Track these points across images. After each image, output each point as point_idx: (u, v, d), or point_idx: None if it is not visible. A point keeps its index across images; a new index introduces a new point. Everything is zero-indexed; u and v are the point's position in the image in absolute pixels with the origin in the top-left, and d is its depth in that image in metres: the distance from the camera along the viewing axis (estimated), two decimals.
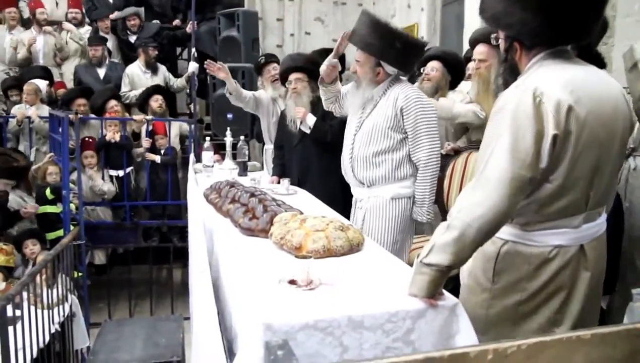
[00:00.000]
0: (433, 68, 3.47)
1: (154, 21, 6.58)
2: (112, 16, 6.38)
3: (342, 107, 2.96)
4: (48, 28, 6.08)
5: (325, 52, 4.07)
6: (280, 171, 3.61)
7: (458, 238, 1.44)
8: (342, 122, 3.01)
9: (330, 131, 3.34)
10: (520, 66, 1.66)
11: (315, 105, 3.42)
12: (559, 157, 1.49)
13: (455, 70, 3.51)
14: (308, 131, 3.44)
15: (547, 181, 1.52)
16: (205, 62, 4.15)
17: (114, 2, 6.69)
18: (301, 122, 3.48)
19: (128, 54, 6.39)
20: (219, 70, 4.04)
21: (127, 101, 5.90)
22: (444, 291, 1.55)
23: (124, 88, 5.95)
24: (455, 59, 3.59)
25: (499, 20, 1.62)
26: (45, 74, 5.78)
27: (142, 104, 5.77)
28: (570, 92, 1.48)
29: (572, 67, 1.58)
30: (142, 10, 6.55)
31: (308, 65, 3.55)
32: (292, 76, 3.57)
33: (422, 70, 3.49)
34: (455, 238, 1.44)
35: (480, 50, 3.11)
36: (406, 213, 2.72)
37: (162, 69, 6.16)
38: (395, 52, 2.56)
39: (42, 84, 5.61)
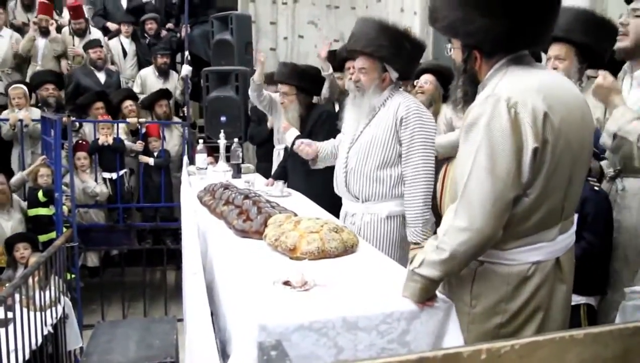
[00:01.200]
0: (427, 81, 3.47)
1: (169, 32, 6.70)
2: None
3: None
4: (55, 35, 6.07)
5: (330, 54, 4.07)
6: (280, 174, 3.60)
7: (447, 260, 1.44)
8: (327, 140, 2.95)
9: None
10: (480, 75, 1.61)
11: (305, 119, 3.41)
12: (537, 169, 1.44)
13: (448, 83, 3.51)
14: (289, 146, 3.39)
15: (524, 195, 1.47)
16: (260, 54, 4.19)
17: (127, 7, 6.79)
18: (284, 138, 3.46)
19: (143, 59, 6.51)
20: (261, 58, 4.06)
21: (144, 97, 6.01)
22: (438, 293, 1.55)
23: (136, 89, 6.12)
24: (449, 72, 3.61)
25: (457, 29, 1.55)
26: (56, 78, 5.77)
27: (148, 106, 5.88)
28: (543, 98, 1.43)
29: (537, 72, 1.54)
30: (157, 15, 6.63)
31: (292, 80, 3.50)
32: (280, 89, 3.57)
33: (414, 84, 3.51)
34: (444, 260, 1.44)
35: None
36: (402, 232, 2.58)
37: (175, 76, 6.29)
38: (405, 53, 2.50)
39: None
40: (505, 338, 1.55)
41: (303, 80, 3.53)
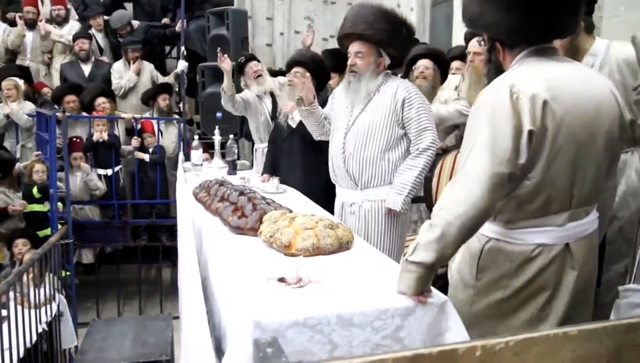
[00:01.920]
0: (426, 67, 3.46)
1: (142, 22, 6.56)
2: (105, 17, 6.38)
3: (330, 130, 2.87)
4: (45, 25, 6.01)
5: (334, 53, 4.06)
6: (271, 168, 3.60)
7: (440, 236, 1.45)
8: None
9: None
10: (505, 65, 1.68)
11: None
12: (536, 153, 1.50)
13: (444, 66, 3.53)
14: (294, 126, 3.39)
15: (526, 178, 1.53)
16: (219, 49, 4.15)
17: (104, 0, 6.67)
18: (290, 117, 3.44)
19: (118, 52, 6.37)
20: (224, 60, 4.02)
21: (122, 91, 5.92)
22: (433, 288, 1.55)
23: (115, 81, 5.97)
24: (443, 56, 3.62)
25: (477, 22, 1.65)
26: (22, 72, 5.71)
27: (147, 100, 5.80)
28: (547, 88, 1.49)
29: (553, 64, 1.59)
30: (129, 7, 6.51)
31: (311, 63, 3.50)
32: (293, 70, 3.56)
33: (412, 69, 3.49)
34: (438, 237, 1.46)
35: (475, 43, 3.12)
36: (404, 217, 2.63)
37: (149, 67, 6.15)
38: (401, 38, 2.54)
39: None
40: (506, 313, 1.63)
41: (318, 67, 3.55)
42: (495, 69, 1.70)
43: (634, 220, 2.32)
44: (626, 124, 1.72)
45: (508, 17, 1.55)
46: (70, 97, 5.44)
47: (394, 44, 2.56)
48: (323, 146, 2.91)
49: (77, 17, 6.50)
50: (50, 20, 6.25)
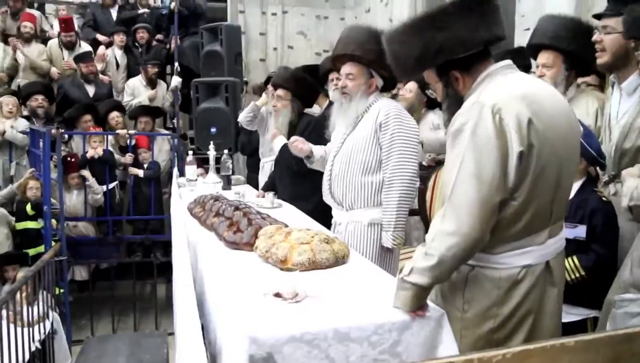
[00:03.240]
0: (408, 89, 3.53)
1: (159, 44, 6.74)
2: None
3: None
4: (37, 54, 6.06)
5: (309, 69, 4.09)
6: (269, 186, 3.59)
7: (435, 265, 1.45)
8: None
9: (296, 158, 3.05)
10: (465, 92, 1.62)
11: (295, 126, 3.40)
12: (523, 173, 1.46)
13: (429, 88, 3.56)
14: (277, 155, 3.40)
15: (512, 199, 1.48)
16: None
17: (116, 19, 6.80)
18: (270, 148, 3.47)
19: (133, 69, 6.53)
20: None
21: (128, 110, 6.05)
22: (429, 302, 1.55)
23: (126, 98, 6.15)
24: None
25: (426, 58, 1.58)
26: (45, 89, 5.75)
27: (134, 118, 5.93)
28: (527, 105, 1.46)
29: (520, 80, 1.57)
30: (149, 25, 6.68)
31: (291, 85, 3.49)
32: (276, 93, 3.57)
33: (398, 89, 3.55)
34: (432, 266, 1.45)
35: None
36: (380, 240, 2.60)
37: (163, 86, 6.31)
38: (385, 57, 2.55)
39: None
40: (497, 344, 1.57)
41: (300, 87, 3.54)
42: (455, 101, 1.63)
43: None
44: (581, 134, 1.74)
45: (455, 29, 1.52)
46: (87, 117, 5.55)
47: (385, 65, 2.56)
48: (312, 174, 2.91)
49: (82, 35, 6.55)
50: (60, 45, 6.27)
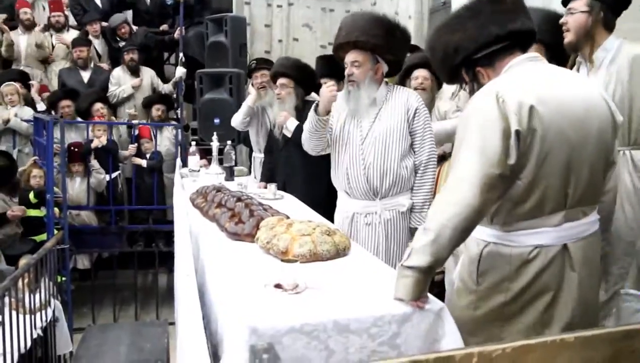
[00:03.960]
0: (425, 77, 3.39)
1: (141, 27, 6.59)
2: (103, 24, 6.40)
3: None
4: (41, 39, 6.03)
5: (328, 58, 4.04)
6: (269, 176, 3.59)
7: (435, 239, 1.47)
8: None
9: None
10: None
11: (301, 111, 3.39)
12: (525, 154, 1.53)
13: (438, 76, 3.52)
14: (289, 135, 3.39)
15: (517, 179, 1.56)
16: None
17: (102, 6, 6.67)
18: (284, 127, 3.42)
19: (117, 59, 6.40)
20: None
21: (115, 100, 5.98)
22: (429, 295, 1.55)
23: (112, 88, 6.01)
24: None
25: (452, 55, 1.73)
26: (21, 77, 5.72)
27: (146, 105, 5.90)
28: (533, 93, 1.54)
29: (537, 70, 1.66)
30: (129, 14, 6.53)
31: (293, 72, 3.50)
32: (278, 81, 3.56)
33: (410, 79, 3.46)
34: (432, 240, 1.47)
35: None
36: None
37: (149, 73, 6.18)
38: (396, 41, 2.56)
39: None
40: (509, 317, 1.64)
41: (302, 74, 3.54)
42: None
43: (630, 224, 2.33)
44: (618, 126, 1.73)
45: (474, 28, 1.65)
46: (66, 102, 5.47)
47: (390, 49, 2.57)
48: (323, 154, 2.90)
49: (75, 23, 6.52)
50: (49, 27, 6.25)
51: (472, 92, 1.76)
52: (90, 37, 6.30)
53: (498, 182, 1.51)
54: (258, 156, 4.25)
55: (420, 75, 3.39)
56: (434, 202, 1.57)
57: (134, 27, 6.55)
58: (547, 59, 2.50)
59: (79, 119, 5.55)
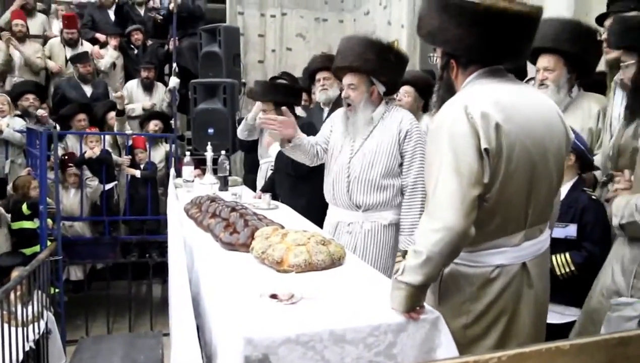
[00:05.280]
0: (406, 93, 3.51)
1: (154, 42, 6.75)
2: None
3: (324, 148, 2.85)
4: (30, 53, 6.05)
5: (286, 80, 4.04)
6: (269, 186, 3.61)
7: (425, 262, 1.46)
8: None
9: (292, 163, 3.10)
10: (457, 85, 1.70)
11: None
12: (493, 174, 1.51)
13: (427, 92, 3.57)
14: (273, 161, 3.41)
15: (483, 200, 1.53)
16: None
17: (114, 19, 6.79)
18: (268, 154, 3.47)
19: (131, 70, 6.54)
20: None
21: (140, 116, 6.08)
22: (425, 304, 1.55)
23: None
24: (426, 82, 3.65)
25: (435, 36, 1.65)
26: (37, 88, 5.74)
27: (142, 123, 5.97)
28: (499, 110, 1.51)
29: (504, 85, 1.62)
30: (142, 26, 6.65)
31: (267, 97, 3.50)
32: (261, 107, 3.59)
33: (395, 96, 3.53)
34: (422, 263, 1.46)
35: None
36: (395, 241, 2.67)
37: (161, 89, 6.32)
38: (390, 65, 2.59)
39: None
40: (472, 340, 1.61)
41: (277, 94, 3.54)
42: (446, 87, 1.72)
43: None
44: (570, 143, 1.75)
45: (469, 34, 1.56)
46: (81, 116, 5.54)
47: (384, 72, 2.61)
48: (311, 177, 2.92)
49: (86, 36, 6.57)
50: (62, 43, 6.28)
51: (440, 78, 1.74)
52: (109, 47, 6.46)
53: (477, 202, 1.49)
54: (264, 163, 4.13)
55: (403, 90, 3.49)
56: (420, 226, 1.55)
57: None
58: (567, 70, 2.53)
59: (71, 130, 5.54)
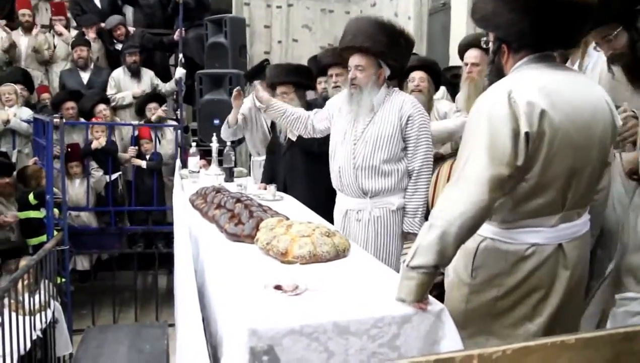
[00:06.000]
0: (421, 79, 3.42)
1: (137, 28, 6.57)
2: (101, 25, 6.37)
3: (315, 126, 2.91)
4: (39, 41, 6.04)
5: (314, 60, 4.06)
6: (270, 178, 3.60)
7: (441, 236, 1.47)
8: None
9: (317, 140, 3.24)
10: (506, 69, 1.71)
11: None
12: (533, 156, 1.54)
13: (437, 76, 3.55)
14: (294, 139, 3.40)
15: (522, 180, 1.57)
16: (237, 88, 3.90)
17: (102, 7, 6.66)
18: (288, 131, 3.43)
19: (115, 60, 6.38)
20: (239, 98, 3.81)
21: (114, 103, 5.93)
22: (430, 296, 1.55)
23: (110, 91, 5.97)
24: (436, 67, 3.63)
25: (489, 20, 1.68)
26: (24, 78, 5.72)
27: (139, 109, 5.83)
28: (545, 95, 1.53)
29: (552, 71, 1.63)
30: (124, 18, 6.53)
31: (290, 78, 3.50)
32: (278, 90, 3.57)
33: (407, 81, 3.48)
34: (438, 237, 1.47)
35: (473, 54, 3.12)
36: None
37: (149, 74, 6.16)
38: (400, 49, 2.59)
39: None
40: (500, 312, 1.66)
41: (298, 76, 3.54)
42: (496, 71, 1.74)
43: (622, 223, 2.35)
44: (617, 130, 1.75)
45: (522, 19, 1.58)
46: (70, 104, 5.46)
47: (394, 55, 2.59)
48: (323, 156, 2.92)
49: (74, 24, 6.52)
50: (50, 28, 6.26)
51: (491, 64, 1.76)
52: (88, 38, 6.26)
53: (506, 182, 1.52)
54: (257, 159, 4.23)
55: (417, 76, 3.43)
56: (441, 198, 1.56)
57: (131, 29, 6.51)
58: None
59: (82, 120, 5.54)
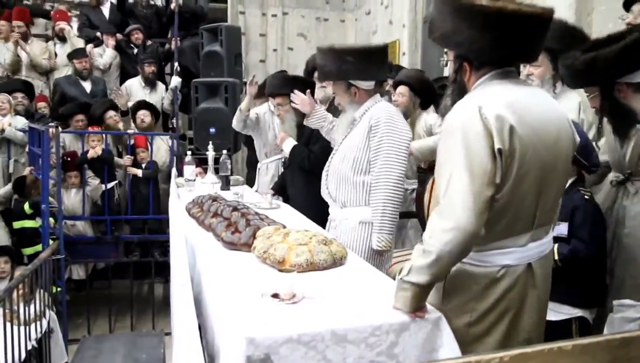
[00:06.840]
0: (400, 93, 3.59)
1: (154, 42, 6.69)
2: (118, 35, 6.47)
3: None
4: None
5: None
6: (280, 186, 3.66)
7: (434, 262, 1.46)
8: (324, 147, 3.03)
9: (307, 157, 3.26)
10: (469, 86, 1.69)
11: (302, 128, 3.41)
12: (505, 174, 1.51)
13: (422, 90, 3.62)
14: (287, 156, 3.44)
15: (494, 200, 1.53)
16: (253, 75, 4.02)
17: (109, 18, 6.73)
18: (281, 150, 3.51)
19: (128, 70, 6.47)
20: (254, 87, 3.89)
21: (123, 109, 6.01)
22: (427, 304, 1.55)
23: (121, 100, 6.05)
24: (421, 80, 3.70)
25: (449, 39, 1.65)
26: (25, 87, 5.73)
27: (133, 117, 5.87)
28: (513, 112, 1.51)
29: (516, 88, 1.62)
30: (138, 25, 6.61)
31: (285, 90, 3.48)
32: (274, 101, 3.57)
33: (392, 94, 3.59)
34: (431, 262, 1.46)
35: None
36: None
37: (162, 87, 6.27)
38: (352, 66, 2.57)
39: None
40: (474, 338, 1.61)
41: (295, 87, 3.54)
42: (459, 90, 1.72)
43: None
44: (576, 146, 1.76)
45: (482, 35, 1.55)
46: (80, 116, 5.51)
47: (362, 72, 2.61)
48: (315, 172, 2.94)
49: (77, 33, 6.54)
50: (53, 37, 6.28)
51: (453, 83, 1.73)
52: (104, 46, 6.36)
53: (490, 202, 1.49)
54: (264, 163, 4.17)
55: (398, 91, 3.56)
56: (430, 224, 1.52)
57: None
58: (552, 66, 2.61)
59: (73, 128, 5.54)
